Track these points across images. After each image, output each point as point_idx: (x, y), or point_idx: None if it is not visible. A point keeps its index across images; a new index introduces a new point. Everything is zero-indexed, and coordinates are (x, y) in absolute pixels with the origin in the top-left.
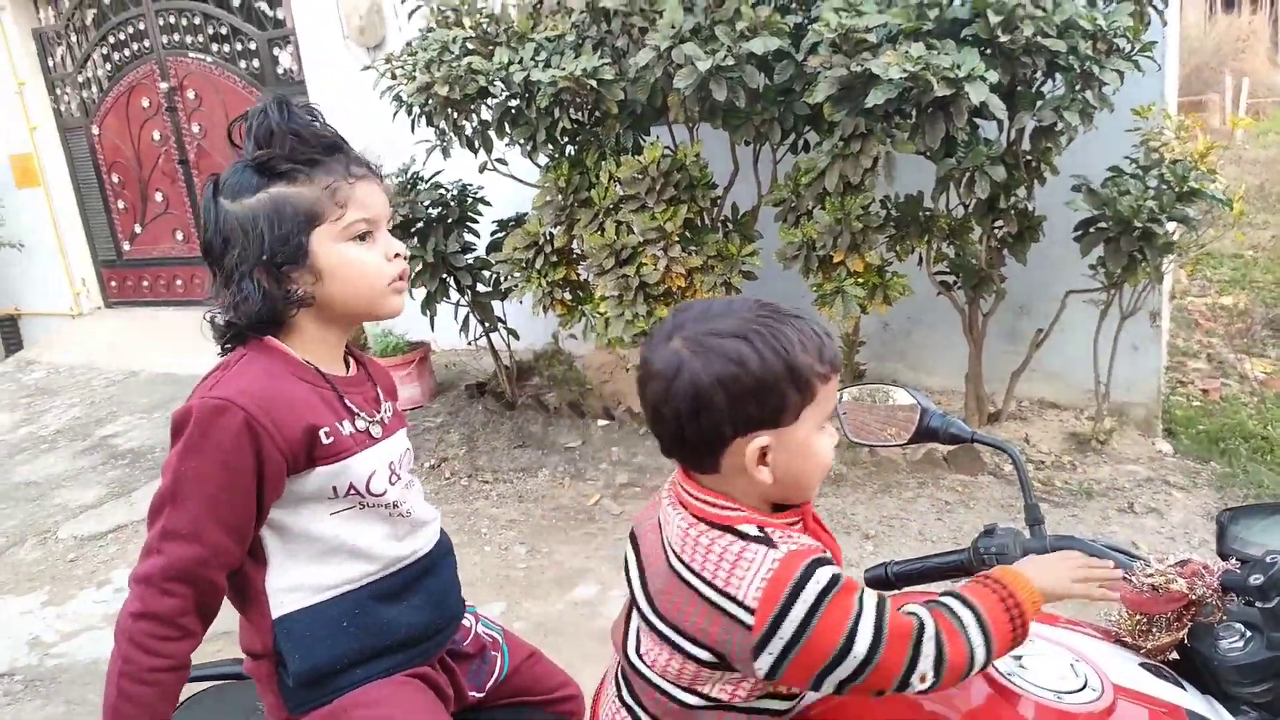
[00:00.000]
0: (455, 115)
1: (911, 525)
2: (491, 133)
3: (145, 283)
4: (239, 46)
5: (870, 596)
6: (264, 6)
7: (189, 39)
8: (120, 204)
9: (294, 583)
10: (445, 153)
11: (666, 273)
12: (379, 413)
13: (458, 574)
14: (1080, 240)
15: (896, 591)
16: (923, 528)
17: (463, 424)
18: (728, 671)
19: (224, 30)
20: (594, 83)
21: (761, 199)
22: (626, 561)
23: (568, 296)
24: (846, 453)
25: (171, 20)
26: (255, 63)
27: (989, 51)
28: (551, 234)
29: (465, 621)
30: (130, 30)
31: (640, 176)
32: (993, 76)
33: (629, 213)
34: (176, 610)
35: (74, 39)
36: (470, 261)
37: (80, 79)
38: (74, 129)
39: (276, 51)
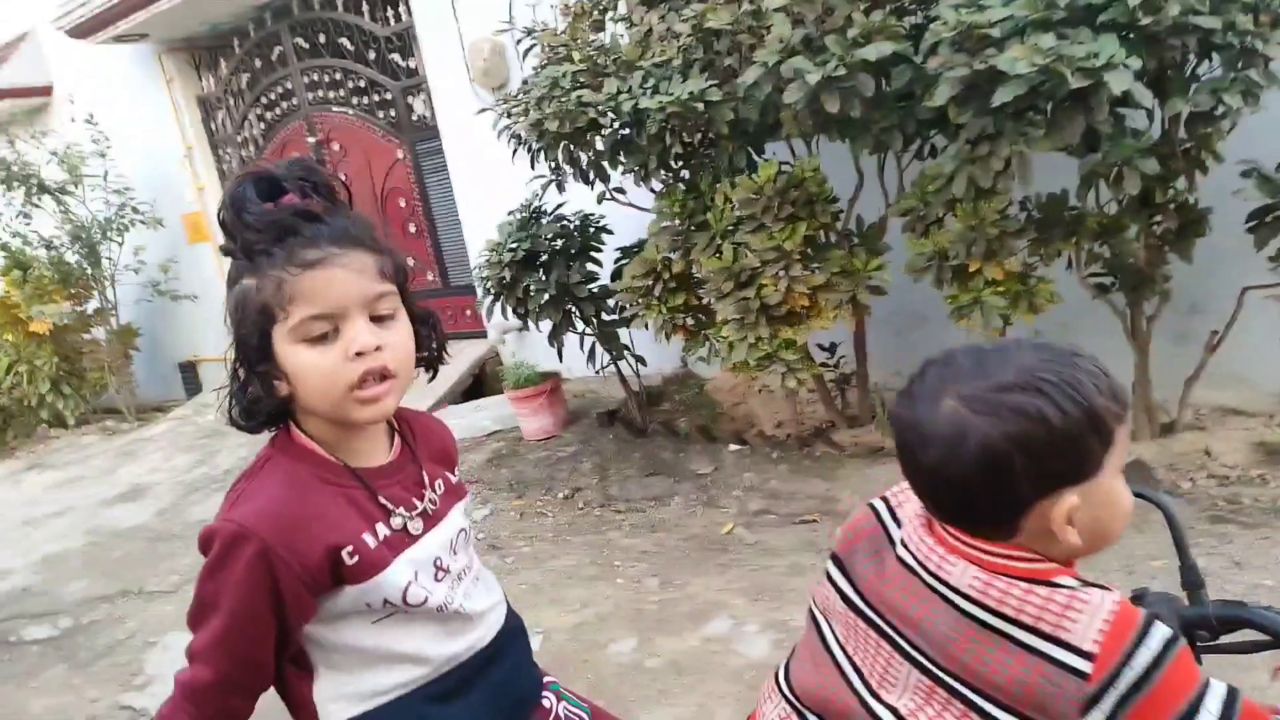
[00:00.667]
0: (571, 148)
1: None
2: (605, 163)
3: None
4: (376, 98)
5: (1218, 685)
6: (397, 58)
7: (332, 94)
8: None
9: (341, 692)
10: (560, 187)
11: (788, 293)
12: (422, 500)
13: (530, 654)
14: (1255, 231)
15: None
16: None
17: (594, 452)
18: None
19: (363, 83)
20: (701, 105)
21: (888, 210)
22: (838, 591)
23: (690, 322)
24: None
25: (315, 78)
26: (392, 112)
27: (1129, 36)
28: (669, 260)
29: (545, 702)
30: (280, 90)
31: (756, 196)
32: (1135, 63)
33: (746, 234)
34: None
35: (232, 102)
36: (594, 290)
37: (239, 139)
38: None
39: (411, 100)
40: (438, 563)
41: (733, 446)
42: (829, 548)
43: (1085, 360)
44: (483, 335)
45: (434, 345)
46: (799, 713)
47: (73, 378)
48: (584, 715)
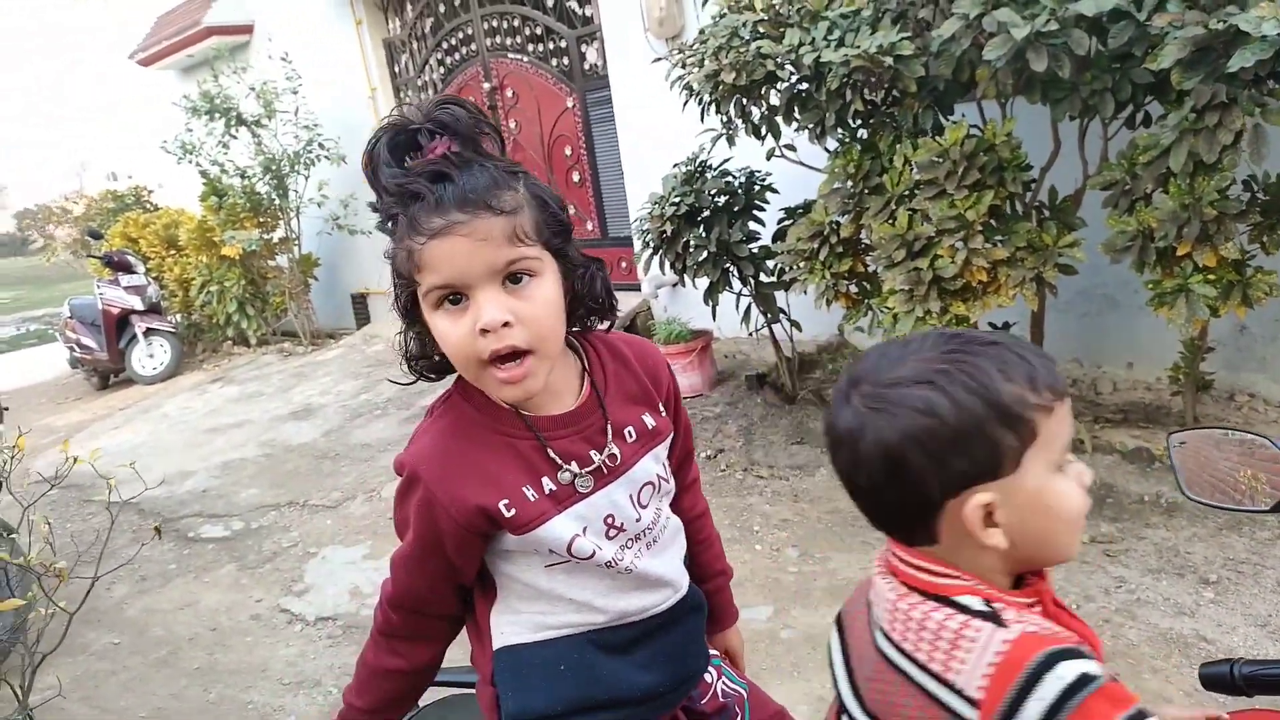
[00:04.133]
0: (743, 101)
1: (1268, 574)
2: (779, 118)
3: None
4: (551, 45)
5: None
6: (574, 5)
7: (509, 40)
8: None
9: (514, 619)
10: (730, 140)
11: (966, 266)
12: (601, 452)
13: (703, 631)
14: None
15: (1245, 703)
16: None
17: (741, 415)
18: None
19: (539, 30)
20: (890, 60)
21: (1087, 181)
22: (830, 652)
23: (854, 289)
24: (1199, 504)
25: (494, 24)
26: (565, 60)
27: None
28: (838, 223)
29: (707, 677)
30: (460, 35)
31: (940, 160)
32: None
33: (925, 200)
34: (389, 631)
35: (415, 46)
36: (754, 250)
37: (420, 82)
38: None
39: (584, 48)
40: (609, 520)
41: None
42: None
43: (1005, 348)
44: (636, 288)
45: (600, 295)
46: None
47: (257, 300)
48: (743, 693)
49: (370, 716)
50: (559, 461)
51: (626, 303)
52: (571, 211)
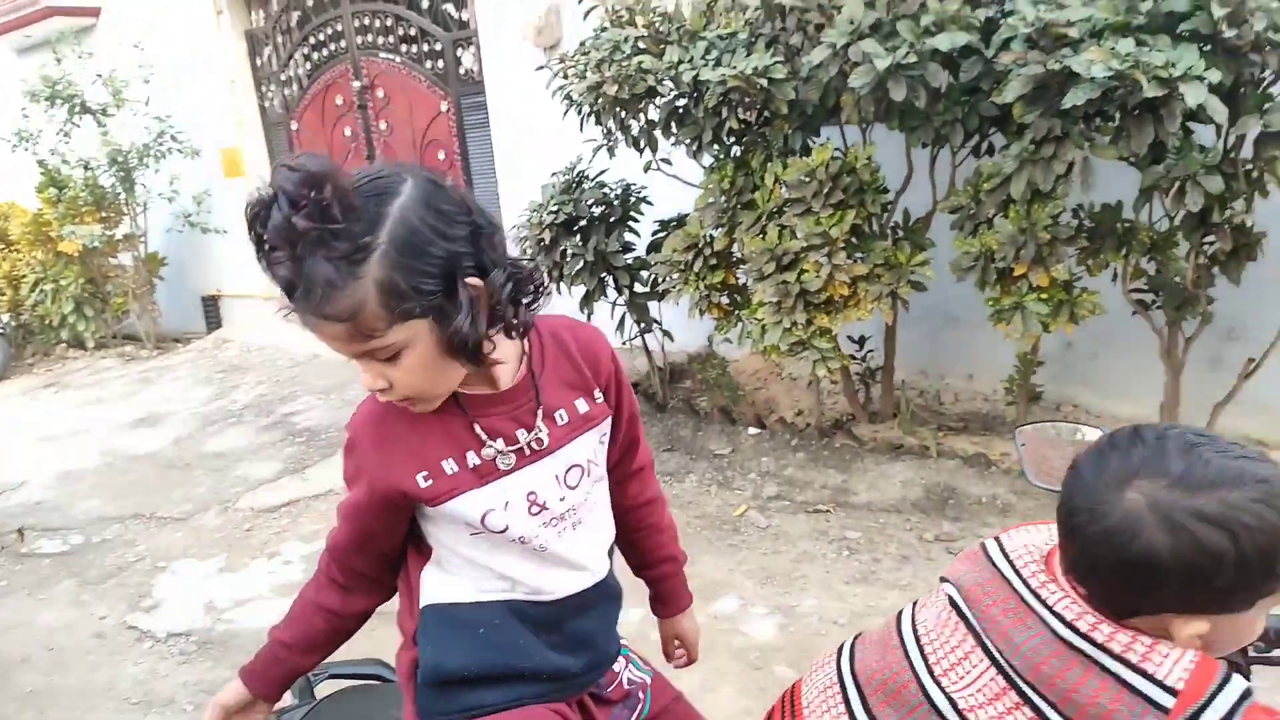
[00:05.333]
0: (623, 114)
1: None
2: (658, 132)
3: None
4: (425, 47)
5: None
6: (450, 8)
7: (381, 40)
8: None
9: (443, 578)
10: (611, 152)
11: (829, 280)
12: (529, 432)
13: (616, 621)
14: None
15: None
16: None
17: None
18: None
19: (413, 31)
20: (764, 81)
21: (936, 205)
22: (945, 626)
23: (725, 301)
24: (1017, 481)
25: (366, 21)
26: (440, 63)
27: (1209, 48)
28: (712, 236)
29: (616, 666)
30: (329, 31)
31: (807, 179)
32: (1213, 76)
33: (793, 217)
34: (328, 575)
35: (280, 40)
36: (629, 261)
37: (283, 77)
38: (276, 124)
39: (460, 52)
40: (532, 497)
41: (751, 430)
42: (840, 539)
43: None
44: None
45: (510, 314)
46: (842, 683)
47: (96, 300)
48: (646, 680)
49: (290, 651)
50: (484, 438)
51: None
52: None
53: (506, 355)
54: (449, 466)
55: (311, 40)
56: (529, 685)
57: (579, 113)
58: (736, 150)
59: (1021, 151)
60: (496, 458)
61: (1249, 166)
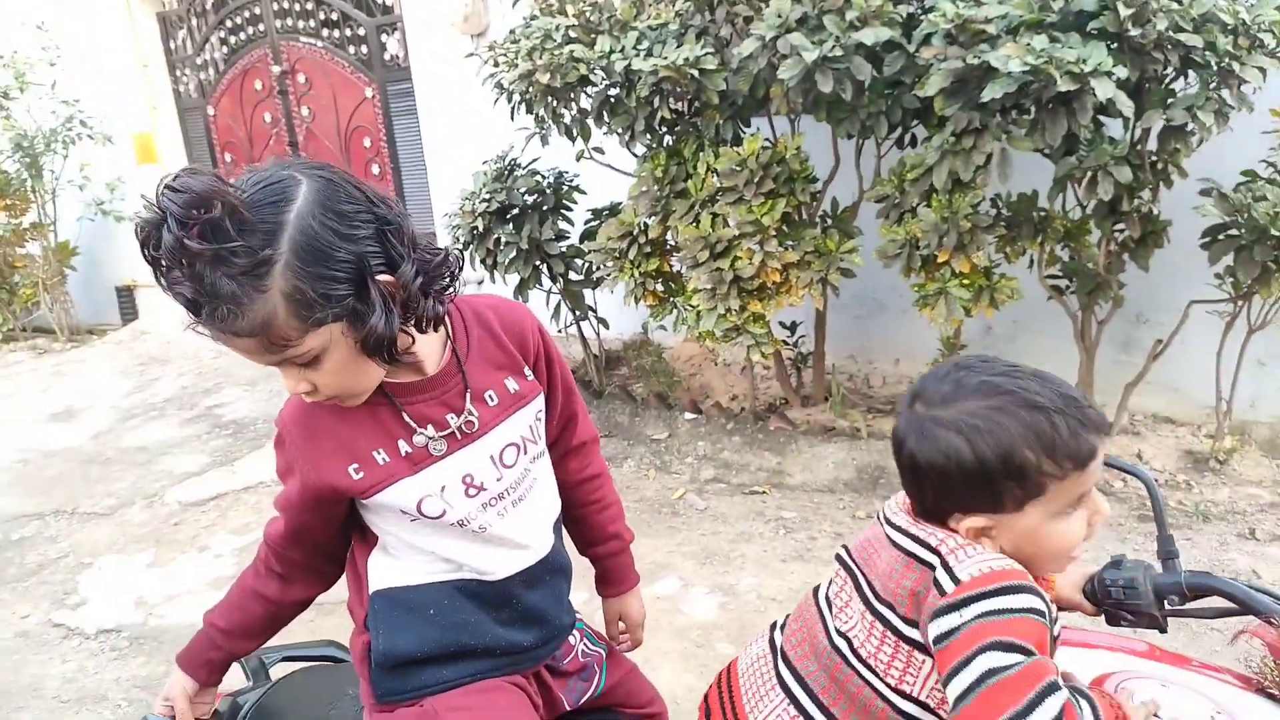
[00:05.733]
0: (555, 103)
1: None
2: (590, 121)
3: None
4: (348, 32)
5: (1045, 661)
6: None
7: (301, 24)
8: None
9: (390, 563)
10: (544, 140)
11: (762, 267)
12: (459, 416)
13: (567, 594)
14: (1208, 248)
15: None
16: None
17: None
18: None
19: (334, 16)
20: (695, 72)
21: (863, 194)
22: (838, 577)
23: (660, 288)
24: None
25: (285, 4)
26: (364, 49)
27: (1116, 46)
28: (646, 224)
29: (571, 638)
30: (247, 14)
31: (739, 168)
32: (1121, 72)
33: (725, 205)
34: (266, 564)
35: (194, 22)
36: (563, 250)
37: (199, 61)
38: (191, 109)
39: (384, 38)
40: (468, 480)
41: (688, 415)
42: (776, 519)
43: (1047, 413)
44: None
45: (424, 309)
46: (773, 651)
47: (3, 291)
48: (602, 653)
49: (227, 638)
50: (414, 425)
51: None
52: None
53: (429, 341)
54: (380, 457)
55: (228, 23)
56: (482, 661)
57: (510, 101)
58: (669, 139)
59: (943, 143)
60: (428, 444)
61: (1154, 158)
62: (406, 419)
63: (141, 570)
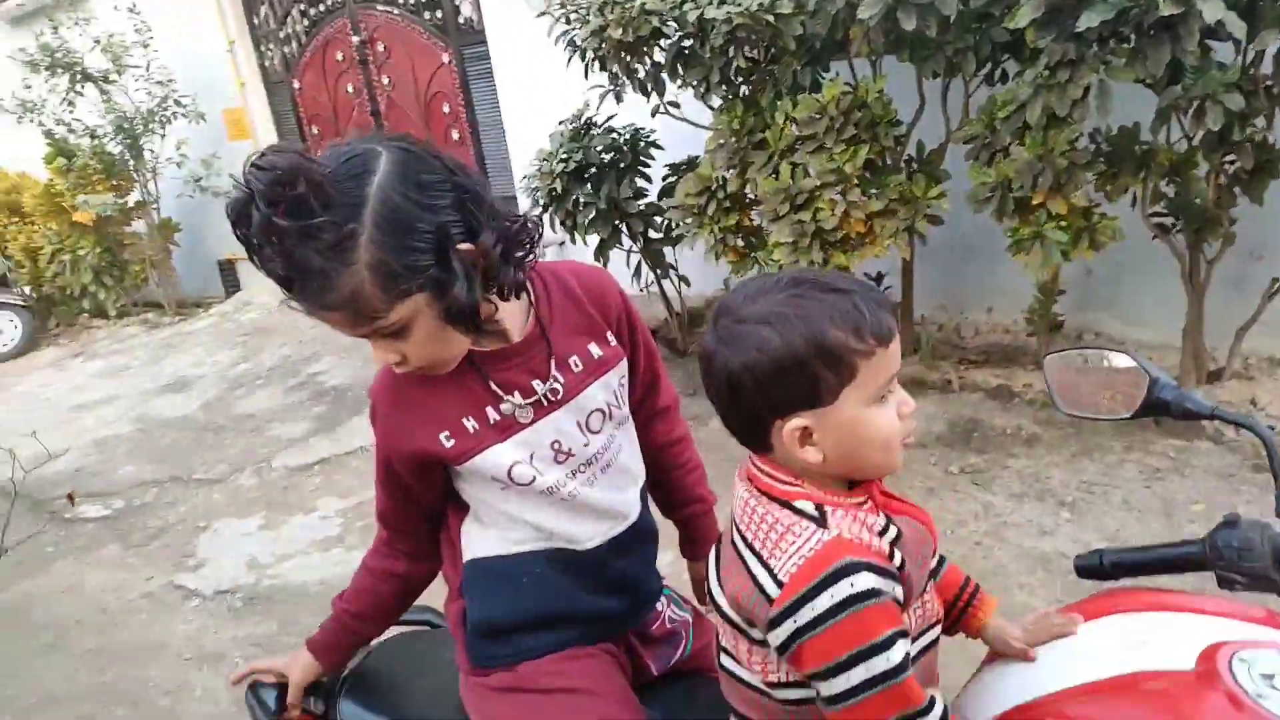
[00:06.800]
0: (628, 58)
1: (1115, 493)
2: (664, 75)
3: None
4: None
5: (904, 642)
6: None
7: None
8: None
9: (482, 532)
10: (618, 98)
11: (845, 218)
12: (545, 382)
13: (654, 560)
14: None
15: (1113, 583)
16: (1128, 496)
17: None
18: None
19: None
20: (771, 17)
21: (950, 136)
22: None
23: (741, 243)
24: (1041, 411)
25: None
26: (439, 13)
27: None
28: (724, 178)
29: (659, 605)
30: None
31: (818, 116)
32: None
33: (805, 154)
34: (381, 541)
35: None
36: (642, 208)
37: (281, 35)
38: (278, 83)
39: (459, 2)
40: (556, 445)
41: None
42: None
43: (846, 297)
44: None
45: (505, 278)
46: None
47: (114, 269)
48: (688, 619)
49: (361, 622)
50: (500, 393)
51: None
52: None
53: (512, 308)
54: (470, 424)
55: None
56: (574, 629)
57: (583, 59)
58: (745, 90)
59: (1036, 77)
60: (515, 411)
61: (1269, 83)
62: (493, 387)
63: (254, 533)
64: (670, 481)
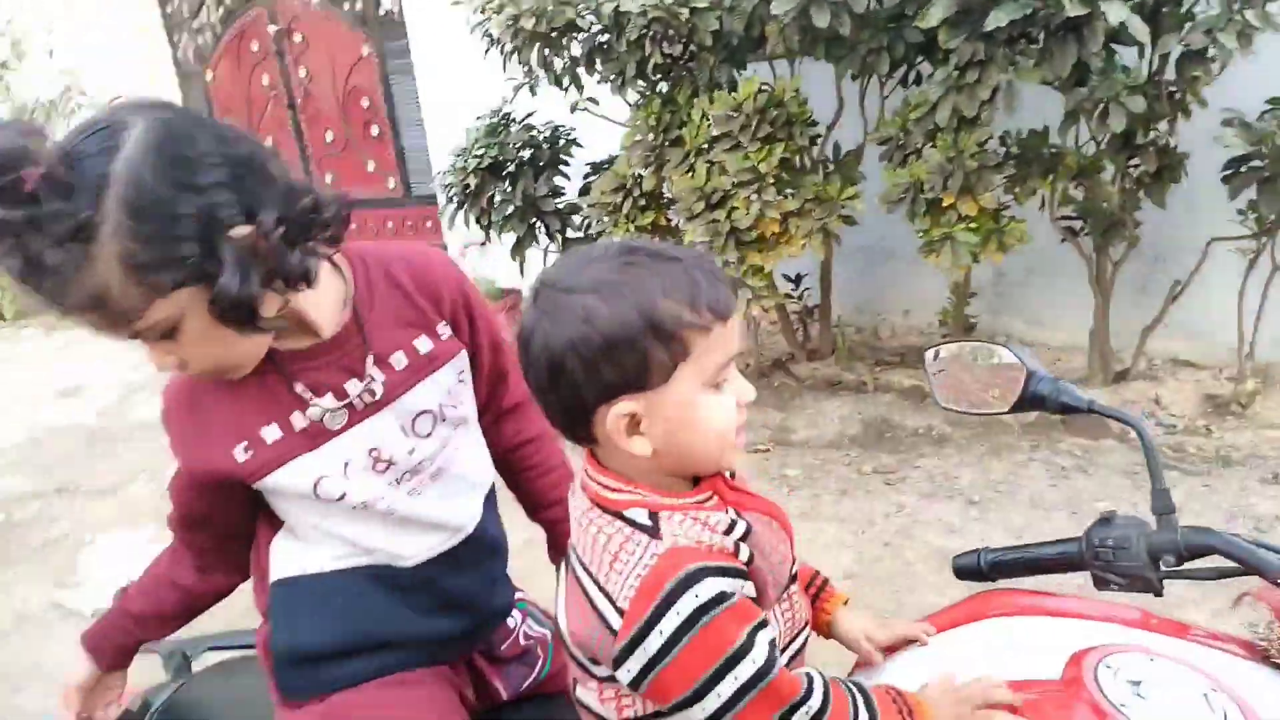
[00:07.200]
0: (545, 51)
1: (1022, 492)
2: (581, 69)
3: None
4: None
5: (768, 634)
6: None
7: None
8: None
9: (291, 549)
10: (532, 90)
11: (760, 218)
12: (361, 382)
13: (503, 570)
14: (1229, 181)
15: (991, 585)
16: (1035, 495)
17: None
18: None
19: None
20: (687, 12)
21: (867, 137)
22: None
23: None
24: (951, 411)
25: None
26: (359, 4)
27: None
28: (640, 176)
29: (510, 621)
30: None
31: (734, 114)
32: None
33: (722, 153)
34: (177, 550)
35: None
36: (560, 206)
37: (195, 25)
38: (190, 75)
39: None
40: (375, 454)
41: None
42: (780, 477)
43: (681, 265)
44: (443, 248)
45: (287, 267)
46: None
47: None
48: (547, 635)
49: (139, 624)
50: (307, 396)
51: None
52: (370, 167)
53: (322, 299)
54: (270, 434)
55: None
56: (398, 653)
57: (500, 51)
58: (663, 87)
59: (947, 78)
60: (325, 416)
61: (1171, 87)
62: (298, 389)
63: (143, 545)
64: (526, 484)
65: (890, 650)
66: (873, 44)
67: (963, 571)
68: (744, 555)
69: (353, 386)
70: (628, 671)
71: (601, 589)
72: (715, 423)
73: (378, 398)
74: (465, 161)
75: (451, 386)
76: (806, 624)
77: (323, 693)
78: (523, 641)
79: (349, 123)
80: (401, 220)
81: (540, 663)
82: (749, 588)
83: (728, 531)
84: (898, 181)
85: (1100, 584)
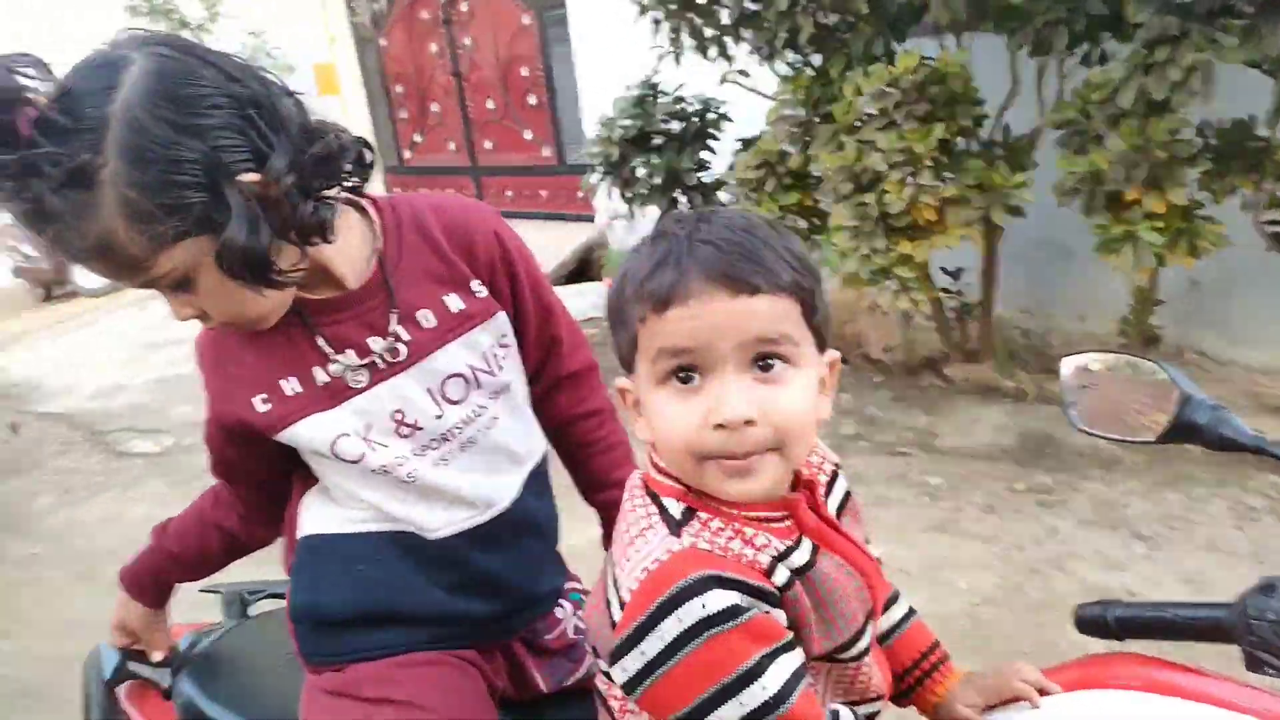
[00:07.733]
0: (695, 18)
1: (1199, 531)
2: (730, 40)
3: (423, 189)
4: None
5: (790, 661)
6: None
7: None
8: (403, 114)
9: (323, 506)
10: (676, 59)
11: (913, 203)
12: (384, 339)
13: (549, 556)
14: None
15: (1118, 645)
16: (1215, 537)
17: None
18: None
19: None
20: None
21: (1043, 121)
22: None
23: (803, 224)
24: (1086, 434)
25: None
26: None
27: None
28: (786, 153)
29: (559, 611)
30: None
31: (890, 89)
32: None
33: (874, 131)
34: (221, 494)
35: None
36: (704, 181)
37: None
38: (366, 40)
39: None
40: (398, 417)
41: None
42: (920, 484)
43: (664, 240)
44: (591, 219)
45: (297, 218)
46: None
47: None
48: None
49: (179, 566)
50: (329, 351)
51: (582, 233)
52: (527, 136)
53: (349, 248)
54: (290, 387)
55: None
56: (423, 630)
57: (651, 20)
58: (816, 59)
59: (1132, 56)
60: (346, 374)
61: None
62: (321, 343)
63: None
64: (585, 462)
65: (990, 708)
66: (1050, 16)
67: (1086, 624)
68: (780, 578)
69: (375, 344)
70: (623, 671)
71: (614, 574)
72: (668, 429)
73: (401, 358)
74: (610, 132)
75: (488, 351)
76: (878, 696)
77: (341, 661)
78: (571, 634)
79: (509, 91)
80: (555, 189)
81: (586, 660)
82: (778, 615)
83: (781, 555)
84: (1073, 170)
85: (1254, 665)
